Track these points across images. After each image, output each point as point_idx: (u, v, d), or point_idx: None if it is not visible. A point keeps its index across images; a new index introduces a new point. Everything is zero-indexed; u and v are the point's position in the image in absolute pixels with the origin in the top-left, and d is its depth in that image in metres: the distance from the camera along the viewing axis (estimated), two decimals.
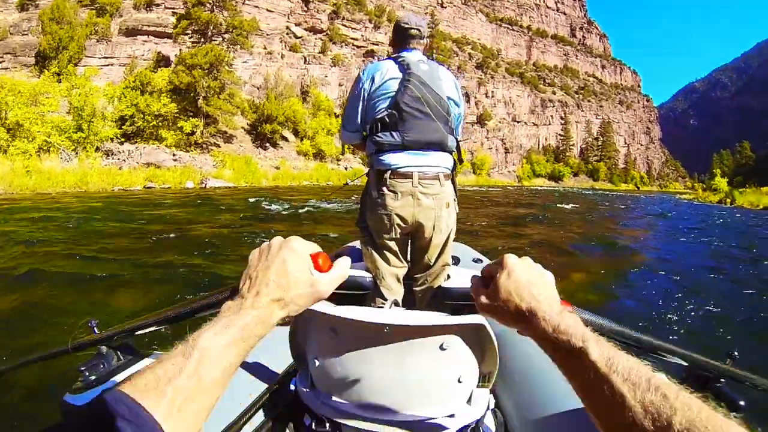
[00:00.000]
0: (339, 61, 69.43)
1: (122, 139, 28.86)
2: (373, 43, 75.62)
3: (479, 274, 0.67)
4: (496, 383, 0.89)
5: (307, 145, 44.40)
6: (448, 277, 1.82)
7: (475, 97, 79.82)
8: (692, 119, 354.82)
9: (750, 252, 7.65)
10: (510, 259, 0.62)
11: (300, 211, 10.93)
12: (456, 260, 2.26)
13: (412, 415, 0.79)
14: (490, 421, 0.93)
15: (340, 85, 68.19)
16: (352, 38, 74.79)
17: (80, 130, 23.30)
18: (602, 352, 0.48)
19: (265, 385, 0.97)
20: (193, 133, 34.23)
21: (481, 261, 2.48)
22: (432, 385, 0.79)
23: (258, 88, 54.97)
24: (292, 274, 0.56)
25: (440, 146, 1.77)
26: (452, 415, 0.81)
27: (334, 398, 0.82)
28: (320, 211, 10.76)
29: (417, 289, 1.87)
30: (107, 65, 52.22)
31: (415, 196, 1.69)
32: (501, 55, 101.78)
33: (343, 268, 0.63)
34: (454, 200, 1.83)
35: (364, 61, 72.26)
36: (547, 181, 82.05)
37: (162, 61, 51.08)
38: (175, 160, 28.37)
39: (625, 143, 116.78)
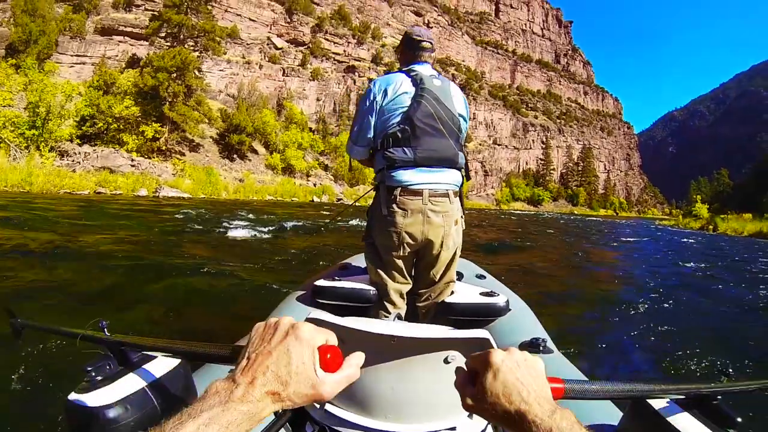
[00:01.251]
0: (318, 74, 68.21)
1: (80, 141, 27.28)
2: (355, 59, 74.77)
3: (463, 365, 0.63)
4: None
5: (276, 159, 42.55)
6: (452, 292, 1.82)
7: None
8: (671, 147, 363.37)
9: (749, 283, 7.29)
10: (495, 356, 0.57)
11: (245, 233, 9.03)
12: (459, 275, 2.19)
13: (414, 427, 0.80)
14: None
15: (317, 99, 66.92)
16: (334, 53, 73.80)
17: (35, 127, 22.15)
18: None
19: None
20: (156, 139, 32.42)
21: (484, 277, 2.41)
22: (435, 398, 0.80)
23: (233, 98, 53.21)
24: (294, 368, 0.50)
25: (451, 163, 1.74)
26: (453, 429, 0.81)
27: (336, 408, 0.82)
28: (266, 238, 8.78)
29: (420, 304, 1.84)
30: (79, 63, 50.33)
31: (425, 213, 1.66)
32: (485, 77, 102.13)
33: (354, 371, 0.56)
34: (462, 217, 1.81)
35: (344, 76, 71.25)
36: (526, 205, 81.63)
37: (135, 63, 49.24)
38: (133, 165, 26.90)
39: (605, 169, 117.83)
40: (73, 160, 24.18)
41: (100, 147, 27.61)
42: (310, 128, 60.24)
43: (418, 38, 1.84)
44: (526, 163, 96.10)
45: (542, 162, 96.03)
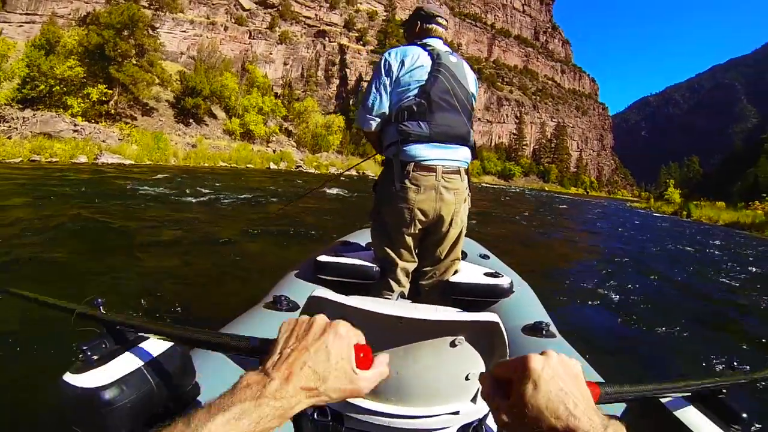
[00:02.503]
0: (287, 38, 65.13)
1: (20, 106, 24.72)
2: (327, 24, 71.69)
3: (490, 370, 0.55)
4: None
5: (235, 124, 40.22)
6: (456, 271, 1.80)
7: None
8: (644, 131, 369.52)
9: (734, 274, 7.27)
10: (535, 362, 0.48)
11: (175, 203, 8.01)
12: (463, 255, 2.15)
13: (416, 410, 0.78)
14: (492, 420, 0.90)
15: (285, 63, 64.12)
16: (305, 16, 70.57)
17: None
18: None
19: None
20: (104, 102, 29.78)
21: (488, 257, 2.43)
22: (439, 380, 0.78)
23: (195, 60, 50.33)
24: (333, 363, 0.49)
25: (464, 140, 1.72)
26: (456, 412, 0.80)
27: None
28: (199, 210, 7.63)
29: (424, 282, 1.80)
30: (28, 23, 46.73)
31: (437, 190, 1.63)
32: (461, 49, 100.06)
33: (385, 369, 0.55)
34: (469, 195, 1.77)
35: (313, 41, 68.34)
36: (496, 179, 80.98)
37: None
38: (75, 131, 24.50)
39: (578, 148, 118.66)
40: (9, 126, 22.04)
41: (42, 111, 25.15)
42: (276, 93, 57.77)
43: (435, 13, 1.82)
44: (499, 137, 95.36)
45: (515, 137, 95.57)
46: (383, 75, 1.68)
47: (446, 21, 1.86)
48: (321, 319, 0.53)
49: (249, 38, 63.09)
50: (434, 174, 1.62)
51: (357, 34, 73.18)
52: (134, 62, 32.24)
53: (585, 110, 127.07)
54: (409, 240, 1.71)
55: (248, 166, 31.12)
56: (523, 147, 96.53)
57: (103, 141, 24.80)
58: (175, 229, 6.08)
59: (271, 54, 63.53)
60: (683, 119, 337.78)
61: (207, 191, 11.04)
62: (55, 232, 5.04)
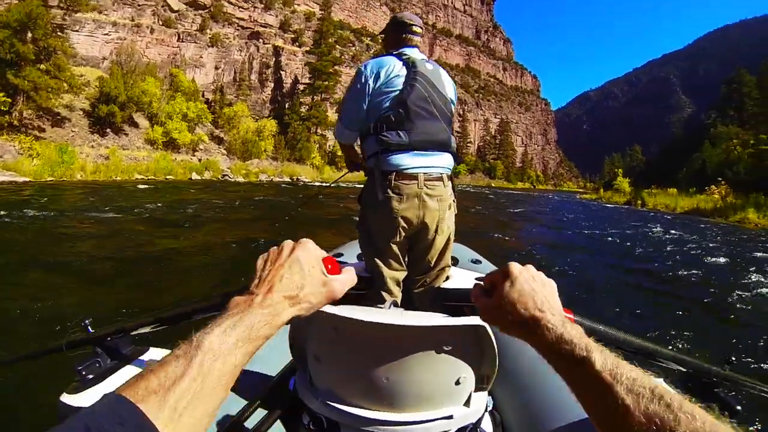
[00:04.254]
0: (218, 41, 62.37)
1: None
2: (261, 25, 69.28)
3: (479, 279, 0.68)
4: (495, 384, 0.90)
5: (158, 132, 37.65)
6: (447, 278, 1.81)
7: None
8: (585, 125, 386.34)
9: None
10: (514, 267, 0.61)
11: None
12: (455, 261, 2.22)
13: (410, 416, 0.80)
14: (487, 423, 0.94)
15: (216, 67, 61.31)
16: (238, 18, 67.90)
17: None
18: (606, 361, 0.47)
19: (265, 383, 0.99)
20: (5, 112, 26.70)
21: (480, 262, 2.50)
22: (431, 386, 0.80)
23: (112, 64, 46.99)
24: (306, 271, 0.56)
25: (445, 147, 1.72)
26: (450, 417, 0.81)
27: (332, 397, 0.82)
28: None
29: (416, 291, 1.81)
30: None
31: (420, 197, 1.64)
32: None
33: (352, 275, 0.63)
34: (453, 201, 1.78)
35: (247, 43, 65.88)
36: None
37: None
38: None
39: (523, 143, 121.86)
40: None
41: None
42: (207, 99, 55.18)
43: (409, 22, 1.82)
44: None
45: (459, 135, 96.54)
46: (359, 88, 1.69)
47: (421, 29, 1.86)
48: (288, 242, 0.59)
49: (177, 41, 59.85)
50: (416, 182, 1.62)
51: (293, 36, 71.31)
52: (42, 67, 29.13)
53: (528, 106, 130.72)
54: (396, 249, 1.70)
55: (168, 177, 28.96)
56: (468, 145, 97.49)
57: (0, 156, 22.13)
58: None
59: (201, 57, 60.55)
60: (622, 112, 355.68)
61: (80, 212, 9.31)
62: None
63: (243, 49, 65.39)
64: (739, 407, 0.71)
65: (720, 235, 12.08)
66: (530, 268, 0.62)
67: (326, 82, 56.69)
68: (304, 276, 0.55)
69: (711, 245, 9.88)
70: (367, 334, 0.76)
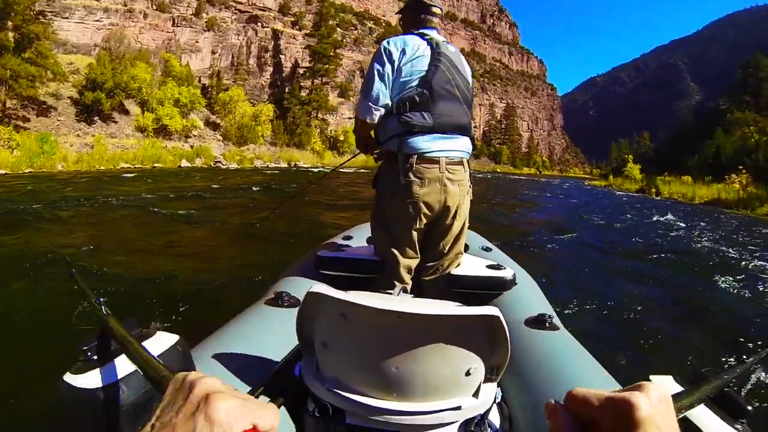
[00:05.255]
0: (215, 25, 60.33)
1: None
2: (260, 8, 67.04)
3: (560, 405, 0.45)
4: (504, 376, 0.85)
5: (148, 119, 35.94)
6: (458, 264, 1.79)
7: None
8: (592, 110, 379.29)
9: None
10: (642, 402, 0.38)
11: None
12: (465, 247, 2.10)
13: (418, 405, 0.79)
14: (495, 415, 0.94)
15: (213, 52, 59.37)
16: (235, 1, 65.69)
17: None
18: None
19: (269, 368, 0.98)
20: None
21: (490, 249, 2.43)
22: (441, 376, 0.79)
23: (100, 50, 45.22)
24: None
25: (465, 130, 1.71)
26: (458, 408, 0.80)
27: (339, 385, 0.81)
28: None
29: (427, 277, 1.78)
30: None
31: (442, 182, 1.60)
32: None
33: None
34: (471, 186, 1.76)
35: (245, 26, 63.77)
36: None
37: None
38: None
39: (528, 128, 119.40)
40: None
41: None
42: (204, 84, 53.36)
43: (429, 2, 1.77)
44: None
45: None
46: (386, 63, 1.62)
47: (441, 10, 1.82)
48: (202, 385, 0.41)
49: (172, 26, 57.93)
50: (438, 166, 1.58)
51: (293, 19, 69.05)
52: (24, 55, 27.55)
53: (534, 91, 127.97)
54: (414, 235, 1.66)
55: (156, 165, 27.31)
56: (473, 129, 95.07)
57: None
58: None
59: (197, 42, 58.58)
60: (630, 98, 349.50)
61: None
62: None
63: (241, 33, 63.28)
64: (750, 407, 0.70)
65: (751, 231, 10.52)
66: (655, 393, 0.40)
67: (327, 66, 54.70)
68: None
69: (743, 240, 8.44)
70: (377, 321, 0.74)
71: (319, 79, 55.74)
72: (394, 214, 1.65)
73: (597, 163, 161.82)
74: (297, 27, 67.83)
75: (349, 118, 63.63)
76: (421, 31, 1.72)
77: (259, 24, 64.97)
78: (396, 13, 1.97)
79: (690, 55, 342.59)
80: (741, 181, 24.64)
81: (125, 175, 19.15)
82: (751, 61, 52.40)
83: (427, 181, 1.57)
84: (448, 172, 1.60)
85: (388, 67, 1.61)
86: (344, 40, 68.08)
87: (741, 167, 26.94)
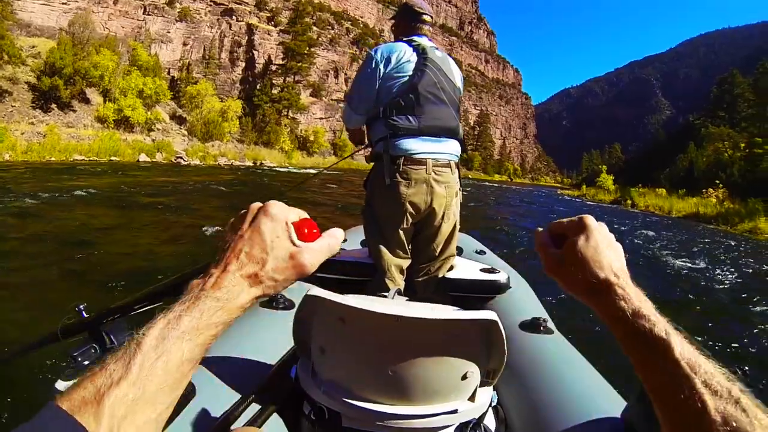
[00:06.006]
0: (188, 15, 59.04)
1: None
2: (236, 2, 66.02)
3: (544, 229, 0.63)
4: (499, 379, 0.85)
5: (109, 109, 34.82)
6: (451, 267, 1.81)
7: (346, 73, 73.07)
8: (565, 121, 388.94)
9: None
10: (590, 219, 0.56)
11: None
12: (459, 251, 2.20)
13: (414, 409, 0.79)
14: (491, 418, 0.94)
15: (184, 44, 58.08)
16: None
17: None
18: (684, 348, 0.43)
19: (265, 371, 0.98)
20: None
21: (484, 252, 2.46)
22: (437, 379, 0.79)
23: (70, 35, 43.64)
24: (268, 243, 0.47)
25: (453, 133, 1.74)
26: (454, 411, 0.80)
27: (335, 388, 0.81)
28: None
29: (420, 279, 1.81)
30: None
31: (428, 183, 1.64)
32: (383, 36, 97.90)
33: (333, 240, 0.53)
34: (460, 189, 1.80)
35: (219, 19, 62.69)
36: None
37: None
38: None
39: (501, 136, 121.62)
40: None
41: None
42: (173, 77, 52.20)
43: (420, 11, 1.83)
44: None
45: None
46: (370, 72, 1.69)
47: (432, 17, 1.88)
48: (254, 205, 0.51)
49: (143, 14, 56.31)
50: (425, 167, 1.62)
51: (269, 14, 68.25)
52: None
53: (508, 99, 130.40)
54: (402, 236, 1.69)
55: (113, 158, 26.48)
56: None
57: None
58: None
59: (168, 32, 57.18)
60: (602, 110, 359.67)
61: None
62: None
63: (214, 26, 62.13)
64: None
65: (732, 246, 10.60)
66: (604, 225, 0.56)
67: (300, 64, 54.30)
68: (266, 248, 0.47)
69: (725, 257, 8.59)
70: (374, 325, 0.74)
71: (292, 77, 55.28)
72: (383, 213, 1.69)
73: (568, 173, 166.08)
74: (273, 23, 67.07)
75: (320, 118, 63.35)
76: (410, 38, 1.78)
77: (233, 17, 63.98)
78: (389, 20, 2.05)
79: (662, 71, 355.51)
80: (718, 196, 25.19)
81: (78, 167, 18.55)
82: (727, 77, 54.45)
83: (414, 182, 1.62)
84: (435, 173, 1.64)
85: (372, 74, 1.68)
86: (320, 39, 67.73)
87: (718, 182, 27.47)
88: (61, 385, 0.73)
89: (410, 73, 1.65)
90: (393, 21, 1.95)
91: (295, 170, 32.55)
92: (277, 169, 32.73)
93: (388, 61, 1.67)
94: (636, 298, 0.48)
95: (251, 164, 36.03)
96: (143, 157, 28.65)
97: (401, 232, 1.68)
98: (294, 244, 0.48)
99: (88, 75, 34.51)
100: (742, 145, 34.91)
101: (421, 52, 1.69)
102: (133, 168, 21.47)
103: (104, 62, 35.67)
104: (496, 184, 50.63)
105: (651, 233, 11.87)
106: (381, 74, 1.67)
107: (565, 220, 0.58)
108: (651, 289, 4.19)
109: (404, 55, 1.68)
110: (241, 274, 0.45)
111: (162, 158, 30.10)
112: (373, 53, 1.71)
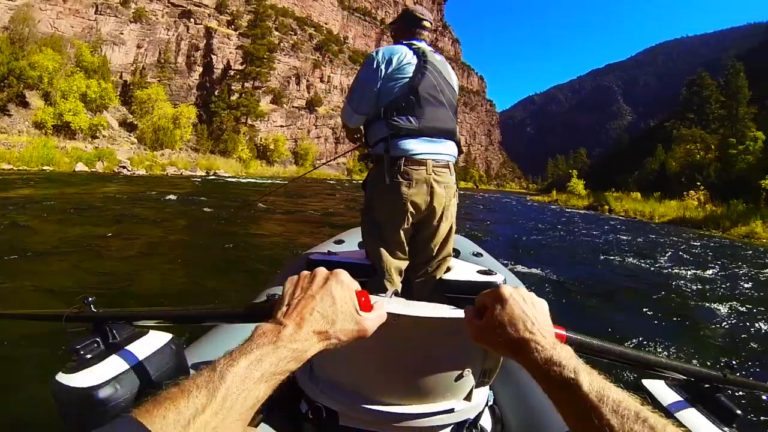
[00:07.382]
0: (143, 16, 56.66)
1: None
2: (195, 4, 63.93)
3: (470, 304, 0.68)
4: (495, 379, 0.87)
5: (48, 114, 32.62)
6: (448, 269, 1.82)
7: (308, 80, 72.30)
8: (529, 127, 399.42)
9: None
10: (504, 290, 0.62)
11: None
12: (456, 253, 2.24)
13: (411, 408, 0.80)
14: (487, 418, 0.95)
15: (138, 46, 55.65)
16: None
17: None
18: (593, 384, 0.48)
19: None
20: None
21: (481, 255, 2.50)
22: (433, 379, 0.80)
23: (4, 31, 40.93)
24: (338, 306, 0.54)
25: (451, 135, 1.77)
26: (451, 411, 0.81)
27: (332, 387, 0.82)
28: None
29: (417, 280, 1.81)
30: None
31: (429, 183, 1.66)
32: (347, 42, 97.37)
33: (383, 312, 0.62)
34: (457, 190, 1.82)
35: (176, 21, 60.56)
36: None
37: None
38: None
39: (467, 143, 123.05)
40: None
41: None
42: (125, 81, 49.99)
43: (420, 17, 1.87)
44: None
45: None
46: (371, 72, 1.71)
47: (431, 24, 1.91)
48: (322, 270, 0.59)
49: (95, 13, 53.52)
50: (425, 168, 1.64)
51: (228, 18, 66.53)
52: None
53: (473, 106, 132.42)
54: (402, 236, 1.71)
55: (46, 168, 24.66)
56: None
57: None
58: None
59: (121, 34, 54.60)
60: (566, 117, 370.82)
61: None
62: None
63: (171, 28, 59.84)
64: (739, 412, 0.73)
65: (735, 255, 9.76)
66: (521, 289, 0.63)
67: (260, 68, 53.02)
68: (337, 311, 0.54)
69: (734, 266, 7.96)
70: None
71: (251, 82, 53.92)
72: (383, 215, 1.69)
73: (533, 179, 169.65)
74: (233, 27, 65.40)
75: (281, 126, 62.07)
76: (410, 41, 1.80)
77: (192, 20, 61.84)
78: (389, 24, 2.05)
79: (623, 78, 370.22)
80: (699, 198, 24.69)
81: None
82: (696, 79, 55.21)
83: (415, 182, 1.61)
84: (435, 174, 1.64)
85: (373, 75, 1.68)
86: (282, 44, 66.60)
87: (699, 183, 27.16)
88: (62, 377, 0.73)
89: (411, 74, 1.67)
90: (393, 26, 1.97)
91: (252, 180, 31.47)
92: (231, 179, 31.42)
93: (389, 62, 1.68)
94: (549, 348, 0.53)
95: (203, 174, 34.58)
96: (80, 167, 26.80)
97: (401, 232, 1.68)
98: (357, 313, 0.56)
99: (23, 75, 32.26)
100: (713, 146, 35.47)
101: (421, 54, 1.71)
102: (66, 178, 19.74)
103: (43, 62, 33.48)
104: (461, 192, 50.52)
105: (642, 242, 11.03)
106: (382, 74, 1.68)
107: (485, 292, 0.65)
108: (674, 306, 4.74)
109: (405, 57, 1.69)
110: (314, 330, 0.51)
111: (103, 168, 28.24)
112: (374, 54, 1.73)
